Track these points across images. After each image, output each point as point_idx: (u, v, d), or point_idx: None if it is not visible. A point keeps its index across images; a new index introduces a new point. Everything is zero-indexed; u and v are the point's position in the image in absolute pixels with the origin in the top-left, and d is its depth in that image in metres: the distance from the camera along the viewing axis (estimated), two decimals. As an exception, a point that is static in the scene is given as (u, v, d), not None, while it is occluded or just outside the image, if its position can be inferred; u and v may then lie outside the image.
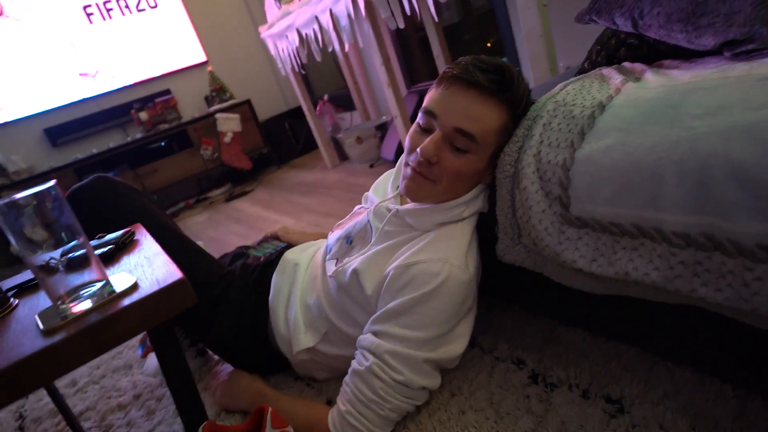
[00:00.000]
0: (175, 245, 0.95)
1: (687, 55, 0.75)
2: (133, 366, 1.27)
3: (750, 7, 0.60)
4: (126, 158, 3.25)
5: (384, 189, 0.95)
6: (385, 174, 1.03)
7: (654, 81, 0.67)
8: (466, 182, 0.77)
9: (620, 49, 0.85)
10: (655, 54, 0.80)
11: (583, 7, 0.84)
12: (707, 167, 0.49)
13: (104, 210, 0.94)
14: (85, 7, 3.32)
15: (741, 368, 0.63)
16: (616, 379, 0.73)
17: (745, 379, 0.64)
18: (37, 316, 0.56)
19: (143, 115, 3.41)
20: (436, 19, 1.91)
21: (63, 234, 0.54)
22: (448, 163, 0.73)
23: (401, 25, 1.69)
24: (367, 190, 1.03)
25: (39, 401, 1.22)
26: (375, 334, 0.73)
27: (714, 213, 0.50)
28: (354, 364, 0.74)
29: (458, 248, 0.75)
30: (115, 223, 0.89)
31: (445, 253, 0.73)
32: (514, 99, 0.73)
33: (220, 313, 0.96)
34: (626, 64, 0.82)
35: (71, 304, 0.54)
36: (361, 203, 1.06)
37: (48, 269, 0.53)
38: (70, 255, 0.55)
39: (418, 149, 0.74)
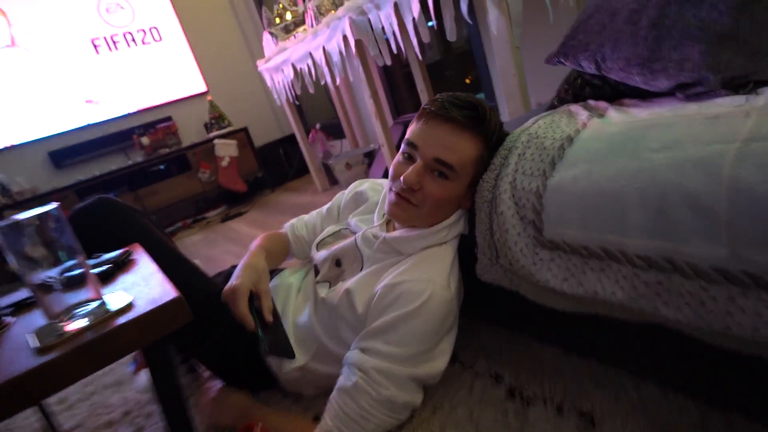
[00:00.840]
0: (172, 264, 0.93)
1: (645, 95, 0.78)
2: (124, 382, 1.22)
3: (698, 54, 0.63)
4: (127, 180, 3.20)
5: (369, 216, 0.95)
6: (354, 186, 1.03)
7: (616, 117, 0.70)
8: (446, 207, 0.78)
9: (585, 89, 0.88)
10: (616, 93, 0.83)
11: (552, 50, 0.87)
12: (665, 195, 0.51)
13: (105, 230, 0.92)
14: (92, 39, 3.33)
15: (701, 383, 0.64)
16: (587, 394, 0.73)
17: (706, 394, 0.65)
18: (33, 334, 0.54)
19: (145, 140, 3.39)
20: (420, 58, 1.96)
21: (62, 253, 0.53)
22: (430, 189, 0.75)
23: (388, 62, 1.73)
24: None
25: (26, 419, 1.16)
26: (362, 350, 0.72)
27: (672, 238, 0.51)
28: (340, 380, 0.72)
29: (441, 269, 0.75)
30: (115, 243, 0.87)
31: (429, 274, 0.73)
32: (487, 132, 0.75)
33: (213, 329, 0.94)
34: (591, 101, 0.85)
35: (67, 323, 0.52)
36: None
37: (45, 288, 0.52)
38: (68, 274, 0.53)
39: (401, 177, 0.75)
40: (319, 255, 0.94)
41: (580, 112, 0.77)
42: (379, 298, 0.74)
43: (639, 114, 0.67)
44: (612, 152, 0.59)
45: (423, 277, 0.72)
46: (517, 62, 1.41)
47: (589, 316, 0.67)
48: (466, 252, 0.81)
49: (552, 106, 0.95)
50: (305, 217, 1.12)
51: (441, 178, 0.74)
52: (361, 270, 0.83)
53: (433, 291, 0.71)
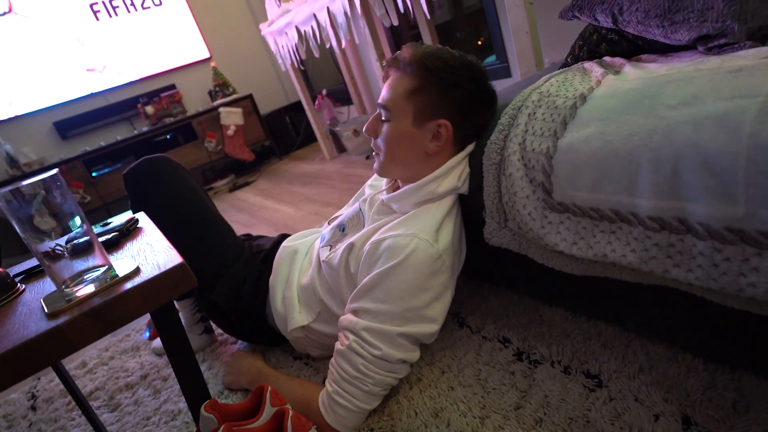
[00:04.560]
0: (208, 215, 1.04)
1: (664, 50, 0.74)
2: (141, 348, 1.27)
3: (722, 3, 0.59)
4: (133, 150, 3.21)
5: (379, 183, 0.97)
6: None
7: (632, 73, 0.67)
8: (398, 149, 0.80)
9: (601, 45, 0.84)
10: (634, 49, 0.79)
11: (566, 4, 0.83)
12: (681, 155, 0.49)
13: (152, 189, 0.99)
14: (91, 5, 3.26)
15: (710, 343, 0.64)
16: (595, 355, 0.74)
17: (715, 353, 0.65)
18: (42, 300, 0.55)
19: (149, 109, 3.37)
20: (429, 17, 1.88)
21: (69, 222, 0.53)
22: (382, 133, 0.81)
23: (395, 23, 1.67)
24: (364, 180, 1.03)
25: (50, 382, 1.22)
26: (353, 312, 0.74)
27: (686, 198, 0.49)
28: (337, 344, 0.74)
29: (429, 224, 0.75)
30: (163, 200, 0.98)
31: (415, 228, 0.74)
32: (410, 66, 0.77)
33: (222, 279, 0.96)
34: (607, 58, 0.81)
35: (75, 288, 0.53)
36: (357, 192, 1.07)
37: (53, 256, 0.53)
38: (75, 242, 0.54)
39: None
40: (329, 227, 0.96)
41: (594, 69, 0.74)
42: (367, 255, 0.75)
43: (657, 69, 0.64)
44: (626, 110, 0.57)
45: (408, 231, 0.73)
46: (531, 19, 1.35)
47: (598, 278, 0.67)
48: (474, 215, 0.80)
49: (565, 64, 0.91)
50: None
51: (384, 119, 0.80)
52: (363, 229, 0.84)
53: (417, 245, 0.71)
